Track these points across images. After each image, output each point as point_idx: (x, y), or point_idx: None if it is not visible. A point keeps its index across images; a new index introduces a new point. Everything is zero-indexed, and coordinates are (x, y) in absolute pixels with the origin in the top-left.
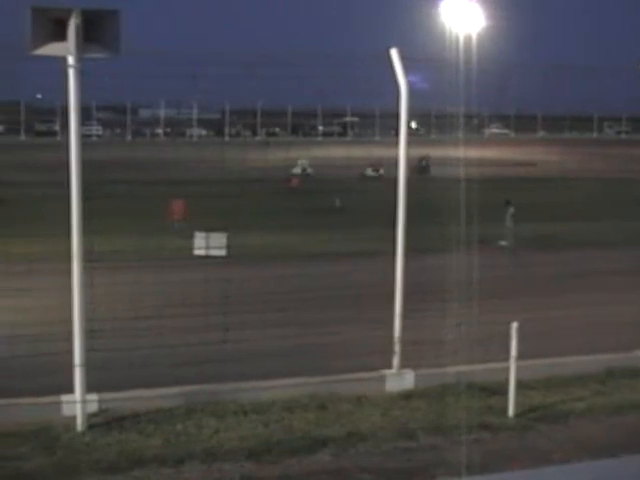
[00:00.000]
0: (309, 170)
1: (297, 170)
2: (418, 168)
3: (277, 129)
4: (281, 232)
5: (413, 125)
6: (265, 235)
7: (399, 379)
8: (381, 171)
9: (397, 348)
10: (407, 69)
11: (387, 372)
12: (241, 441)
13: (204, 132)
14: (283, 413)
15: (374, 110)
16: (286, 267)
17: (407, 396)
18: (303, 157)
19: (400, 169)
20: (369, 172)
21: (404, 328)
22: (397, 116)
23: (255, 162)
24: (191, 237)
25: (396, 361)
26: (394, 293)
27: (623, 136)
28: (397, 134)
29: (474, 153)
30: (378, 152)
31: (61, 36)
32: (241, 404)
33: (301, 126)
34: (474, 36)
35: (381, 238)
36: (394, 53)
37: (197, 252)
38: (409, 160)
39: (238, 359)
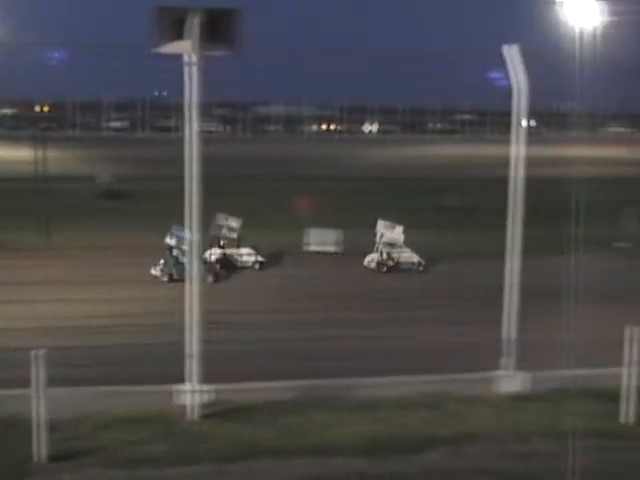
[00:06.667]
0: None
1: None
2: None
3: (394, 126)
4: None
5: (532, 123)
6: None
7: (513, 381)
8: None
9: (511, 349)
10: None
11: (501, 373)
12: (353, 437)
13: (317, 128)
14: (396, 411)
15: (490, 108)
16: None
17: (521, 398)
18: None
19: (512, 168)
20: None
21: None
22: (517, 114)
23: (373, 159)
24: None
25: (510, 362)
26: (506, 293)
27: None
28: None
29: (590, 152)
30: (492, 151)
31: (183, 34)
32: (354, 400)
33: (420, 123)
34: (591, 32)
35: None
36: (508, 51)
37: (312, 248)
38: None
39: (350, 356)
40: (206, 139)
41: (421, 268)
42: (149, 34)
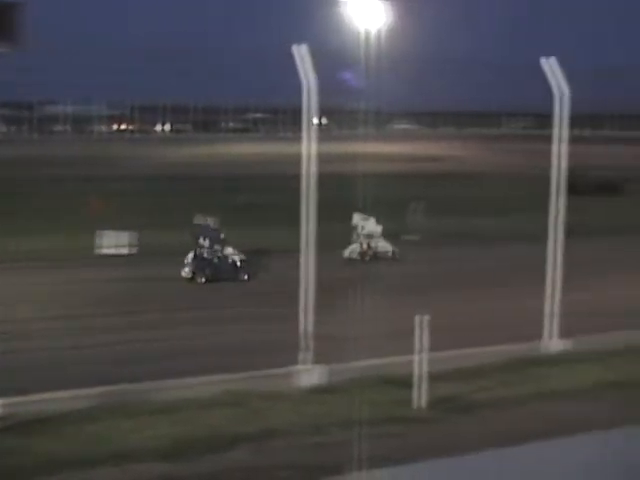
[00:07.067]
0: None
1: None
2: None
3: (186, 125)
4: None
5: (323, 121)
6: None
7: (311, 374)
8: None
9: (308, 344)
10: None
11: (299, 367)
12: (155, 441)
13: (108, 127)
14: (198, 411)
15: (282, 106)
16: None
17: (319, 391)
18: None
19: (304, 165)
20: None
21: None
22: (308, 112)
23: (166, 159)
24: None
25: (307, 357)
26: (302, 288)
27: (522, 131)
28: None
29: (379, 149)
30: (285, 149)
31: None
32: (155, 403)
33: (213, 122)
34: (378, 33)
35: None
36: (298, 50)
37: (104, 251)
38: None
39: (148, 359)
40: None
41: (397, 257)
42: None
